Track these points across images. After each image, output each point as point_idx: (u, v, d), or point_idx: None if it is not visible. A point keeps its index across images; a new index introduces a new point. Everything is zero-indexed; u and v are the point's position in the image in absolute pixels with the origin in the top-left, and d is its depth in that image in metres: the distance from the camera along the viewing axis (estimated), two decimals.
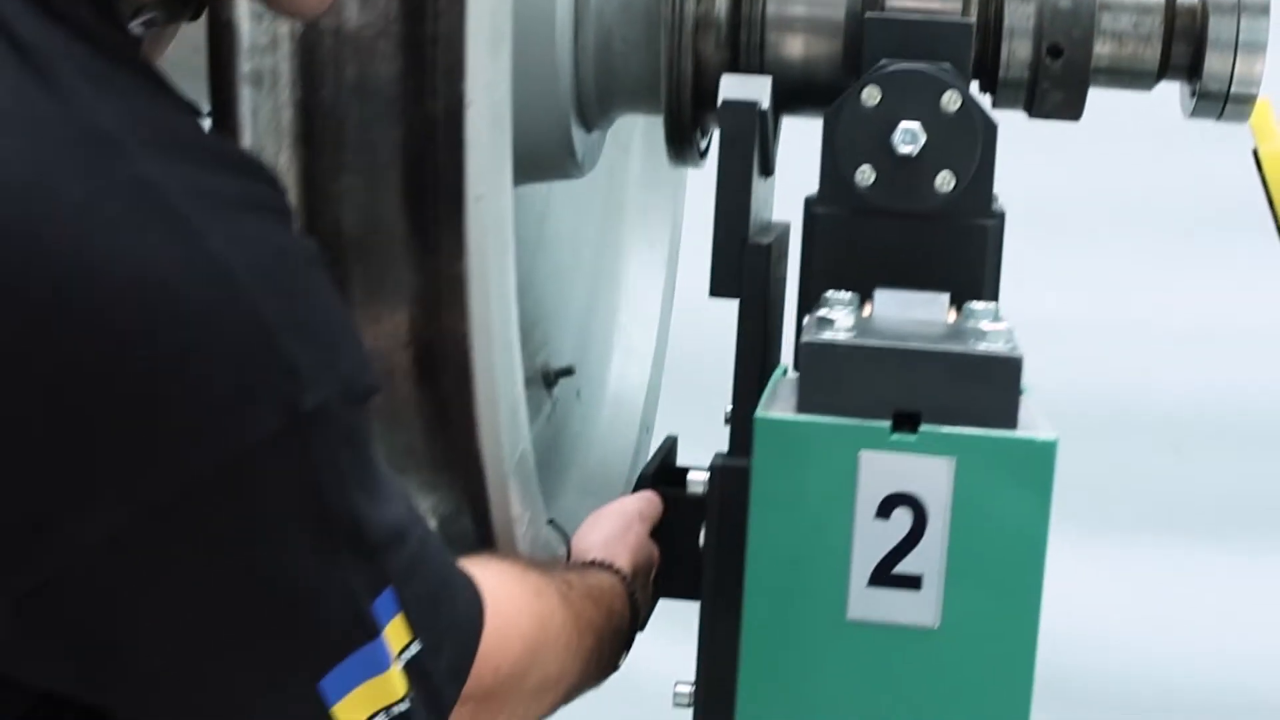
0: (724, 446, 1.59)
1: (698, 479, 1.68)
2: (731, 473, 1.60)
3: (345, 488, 1.08)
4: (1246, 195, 1.74)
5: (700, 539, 1.67)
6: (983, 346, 1.37)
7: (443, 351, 1.36)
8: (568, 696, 1.53)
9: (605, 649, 1.58)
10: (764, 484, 1.37)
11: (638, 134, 2.17)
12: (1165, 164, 3.54)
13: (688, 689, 1.66)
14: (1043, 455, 1.35)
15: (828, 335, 1.38)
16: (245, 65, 1.30)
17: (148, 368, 0.97)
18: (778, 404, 1.40)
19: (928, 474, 1.35)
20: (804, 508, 1.37)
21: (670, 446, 1.95)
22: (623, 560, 1.67)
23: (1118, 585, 3.87)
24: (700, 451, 1.66)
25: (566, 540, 1.67)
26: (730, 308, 1.61)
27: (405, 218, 1.31)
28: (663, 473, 1.87)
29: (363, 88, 1.30)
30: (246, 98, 1.28)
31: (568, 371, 1.98)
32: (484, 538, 1.49)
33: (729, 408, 1.86)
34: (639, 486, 1.82)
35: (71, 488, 0.98)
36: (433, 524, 1.50)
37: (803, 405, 1.36)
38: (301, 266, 1.07)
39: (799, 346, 1.38)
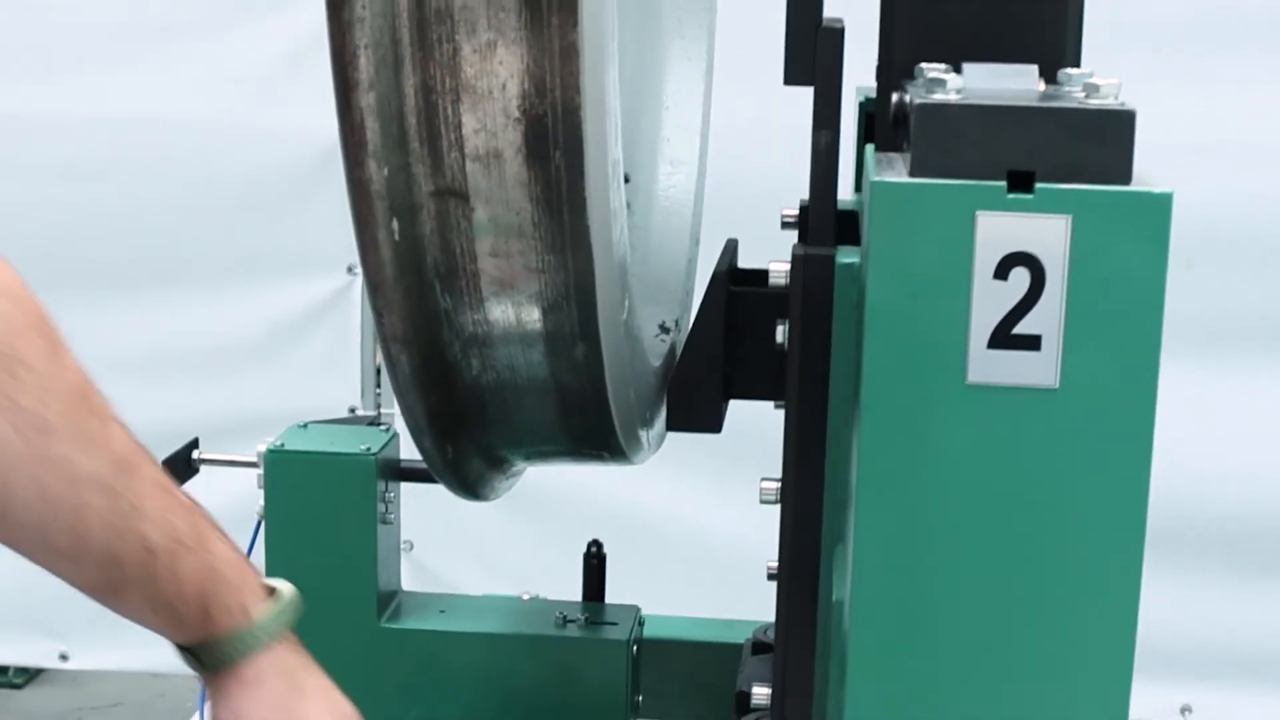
0: None
1: (779, 270, 1.67)
2: (815, 261, 1.60)
3: None
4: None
5: (778, 336, 1.68)
6: (1095, 102, 1.36)
7: (554, 126, 1.34)
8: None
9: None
10: (881, 249, 1.36)
11: None
12: None
13: (774, 485, 1.66)
14: (1159, 208, 1.34)
15: (939, 96, 1.36)
16: None
17: None
18: (888, 172, 1.38)
19: (1045, 232, 1.34)
20: (922, 272, 1.36)
21: (733, 249, 1.93)
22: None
23: None
24: None
25: (674, 348, 1.65)
26: None
27: None
28: (732, 273, 1.86)
29: None
30: None
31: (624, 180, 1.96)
32: (588, 326, 1.48)
33: (785, 212, 1.85)
34: (712, 286, 1.80)
35: None
36: (536, 313, 1.49)
37: (916, 169, 1.35)
38: None
39: (913, 110, 1.36)
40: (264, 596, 1.42)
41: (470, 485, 1.72)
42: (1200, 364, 3.90)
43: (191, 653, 1.40)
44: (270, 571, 1.88)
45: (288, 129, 3.99)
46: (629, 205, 2.03)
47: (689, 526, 4.07)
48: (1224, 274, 3.89)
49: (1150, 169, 1.37)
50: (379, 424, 1.95)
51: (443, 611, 1.92)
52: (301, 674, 1.44)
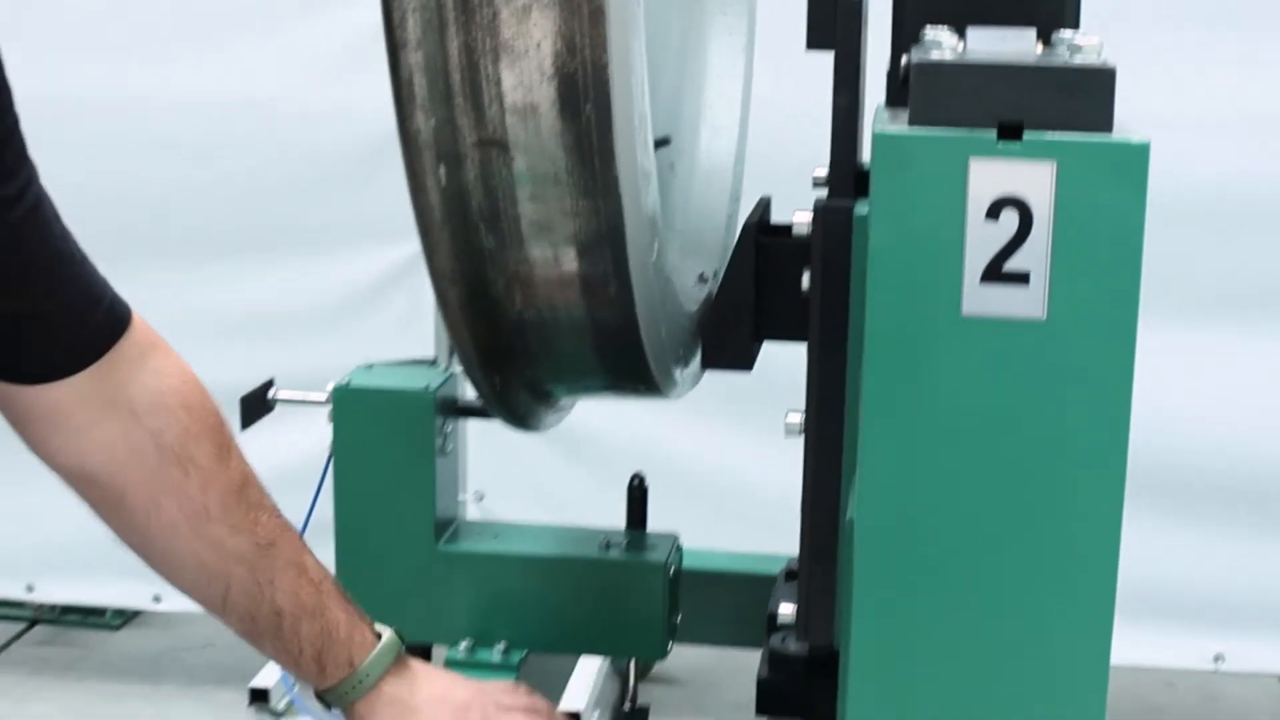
0: None
1: (802, 220, 1.80)
2: (835, 212, 1.73)
3: None
4: None
5: (803, 283, 1.81)
6: (1079, 59, 1.49)
7: (584, 82, 1.48)
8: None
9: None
10: (883, 193, 1.49)
11: None
12: None
13: (798, 418, 1.79)
14: (1137, 156, 1.47)
15: (936, 55, 1.50)
16: None
17: None
18: (891, 125, 1.52)
19: (1032, 177, 1.47)
20: (920, 214, 1.49)
21: (766, 204, 2.07)
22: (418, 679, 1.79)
23: (1166, 362, 4.04)
24: None
25: (711, 296, 1.78)
26: None
27: None
28: (763, 225, 1.99)
29: None
30: None
31: (664, 141, 2.10)
32: (619, 266, 1.62)
33: (815, 172, 1.99)
34: (743, 238, 1.94)
35: None
36: (572, 254, 1.63)
37: (915, 120, 1.48)
38: None
39: (911, 68, 1.50)
40: (371, 644, 1.75)
41: (519, 416, 1.86)
42: (1229, 327, 4.02)
43: (320, 695, 1.76)
44: (338, 499, 2.04)
45: (363, 107, 4.16)
46: (673, 166, 2.18)
47: (738, 474, 4.23)
48: (1256, 240, 4.01)
49: (1131, 120, 1.49)
50: (437, 364, 2.10)
51: (496, 537, 2.07)
52: (409, 695, 1.76)
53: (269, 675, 3.35)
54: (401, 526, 2.00)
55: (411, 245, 4.13)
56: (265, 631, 1.72)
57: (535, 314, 1.69)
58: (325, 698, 1.75)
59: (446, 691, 1.80)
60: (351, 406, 2.00)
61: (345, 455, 2.01)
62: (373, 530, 2.01)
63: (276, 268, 4.43)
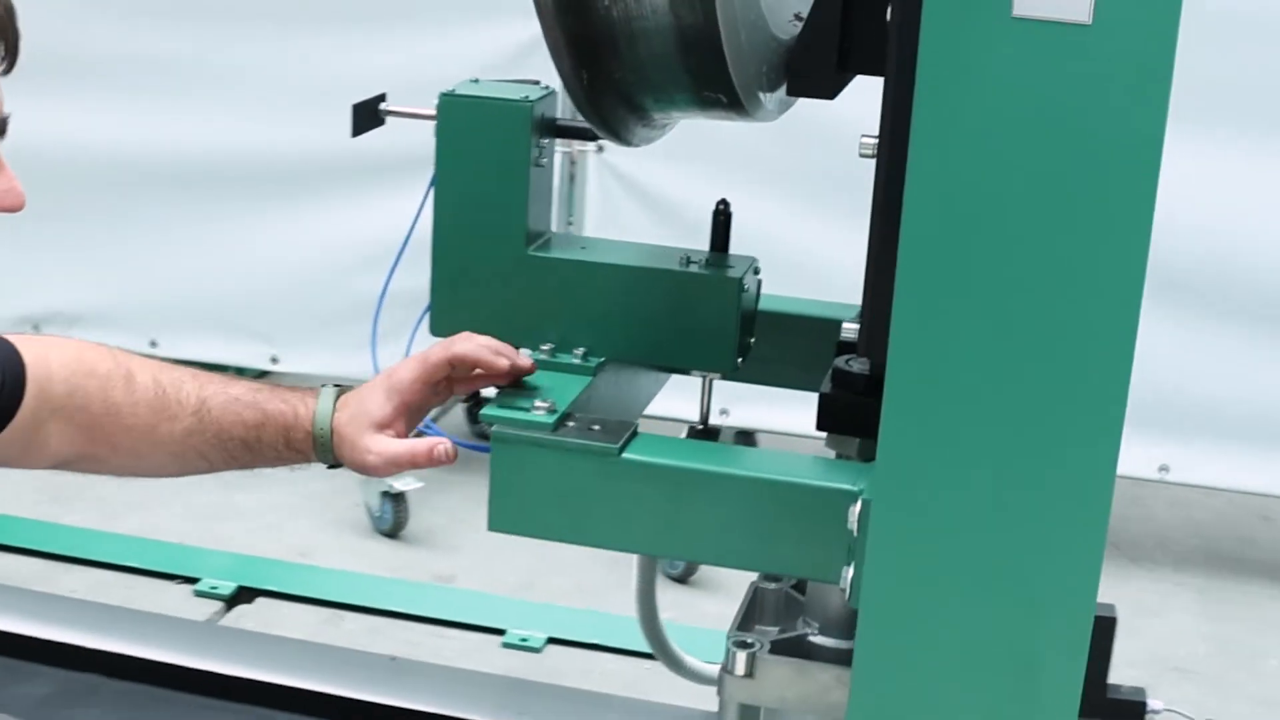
0: None
1: None
2: None
3: None
4: None
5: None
6: None
7: None
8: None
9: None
10: None
11: None
12: None
13: (872, 141, 1.89)
14: None
15: None
16: None
17: None
18: None
19: None
20: None
21: None
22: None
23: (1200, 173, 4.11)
24: None
25: None
26: None
27: None
28: None
29: None
30: None
31: None
32: None
33: None
34: None
35: None
36: None
37: None
38: None
39: None
40: (313, 407, 2.08)
41: (610, 124, 1.97)
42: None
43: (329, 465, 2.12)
44: (438, 206, 2.15)
45: None
46: None
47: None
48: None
49: None
50: (539, 83, 2.20)
51: (583, 248, 2.18)
52: (359, 395, 2.09)
53: None
54: (494, 232, 2.11)
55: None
56: (247, 460, 2.10)
57: (623, 10, 1.80)
58: (325, 463, 2.09)
59: (387, 384, 2.09)
60: (454, 114, 2.11)
61: (446, 161, 2.12)
62: (467, 235, 2.13)
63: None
